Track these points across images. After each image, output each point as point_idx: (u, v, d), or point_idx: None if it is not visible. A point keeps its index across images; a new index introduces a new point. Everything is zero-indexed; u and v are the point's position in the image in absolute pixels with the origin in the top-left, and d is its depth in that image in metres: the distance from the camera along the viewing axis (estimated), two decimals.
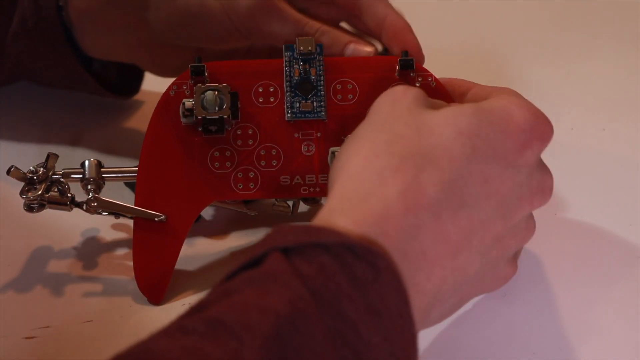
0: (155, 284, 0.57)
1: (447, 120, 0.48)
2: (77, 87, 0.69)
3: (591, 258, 0.59)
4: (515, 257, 0.53)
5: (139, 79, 0.71)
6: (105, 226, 0.61)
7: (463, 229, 0.47)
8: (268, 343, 0.39)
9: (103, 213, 0.58)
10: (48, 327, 0.56)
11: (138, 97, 0.72)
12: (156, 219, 0.57)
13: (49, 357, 0.54)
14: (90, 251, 0.61)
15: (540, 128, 0.49)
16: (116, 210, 0.58)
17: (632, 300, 0.56)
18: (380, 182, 0.46)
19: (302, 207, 0.62)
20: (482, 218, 0.48)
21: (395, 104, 0.50)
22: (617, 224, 0.62)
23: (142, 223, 0.57)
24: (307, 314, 0.40)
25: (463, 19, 0.84)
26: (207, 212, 0.63)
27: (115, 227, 0.59)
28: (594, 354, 0.53)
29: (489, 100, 0.50)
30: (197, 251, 0.61)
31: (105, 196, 0.58)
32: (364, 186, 0.46)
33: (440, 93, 0.58)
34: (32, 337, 0.55)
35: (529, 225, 0.52)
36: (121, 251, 0.61)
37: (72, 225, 0.62)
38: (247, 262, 0.43)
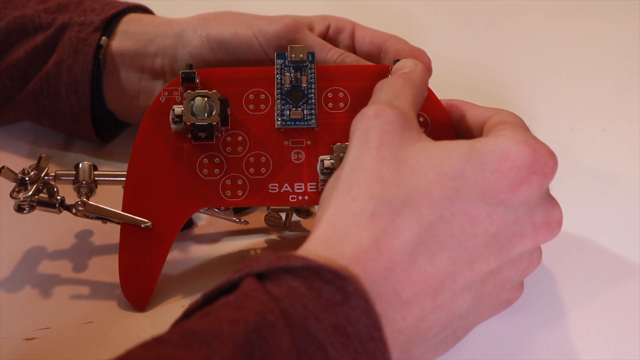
0: (140, 290, 0.57)
1: (430, 161, 0.47)
2: (72, 129, 0.68)
3: (591, 259, 0.59)
4: (521, 282, 0.53)
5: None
6: (103, 228, 0.61)
7: (443, 270, 0.46)
8: (237, 350, 0.41)
9: (91, 217, 0.58)
10: (48, 328, 0.56)
11: None
12: (142, 225, 0.57)
13: (49, 359, 0.54)
14: (91, 253, 0.61)
15: (539, 163, 0.48)
16: (103, 215, 0.58)
17: (632, 301, 0.56)
18: (355, 225, 0.46)
19: (296, 217, 0.62)
20: (467, 257, 0.47)
21: (370, 134, 0.49)
22: (617, 225, 0.62)
23: (128, 229, 0.57)
24: (275, 324, 0.42)
25: (461, 19, 0.84)
26: (199, 219, 0.63)
27: (113, 229, 0.59)
28: (594, 355, 0.53)
29: (483, 140, 0.49)
30: (188, 257, 0.61)
31: (100, 201, 0.58)
32: (339, 229, 0.46)
33: (430, 100, 0.57)
34: (32, 339, 0.55)
35: (533, 257, 0.51)
36: None
37: (71, 226, 0.62)
38: (224, 287, 0.44)
